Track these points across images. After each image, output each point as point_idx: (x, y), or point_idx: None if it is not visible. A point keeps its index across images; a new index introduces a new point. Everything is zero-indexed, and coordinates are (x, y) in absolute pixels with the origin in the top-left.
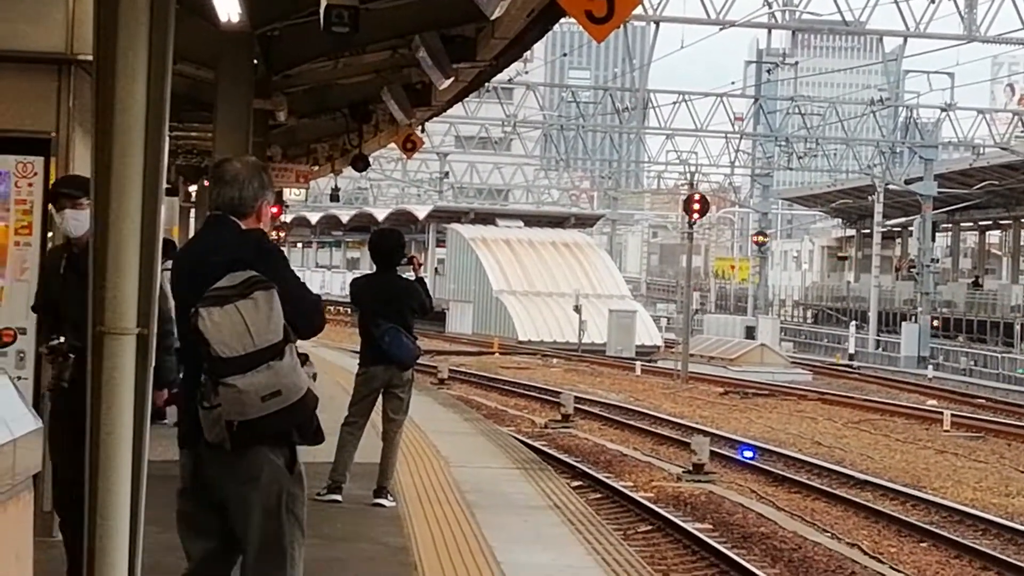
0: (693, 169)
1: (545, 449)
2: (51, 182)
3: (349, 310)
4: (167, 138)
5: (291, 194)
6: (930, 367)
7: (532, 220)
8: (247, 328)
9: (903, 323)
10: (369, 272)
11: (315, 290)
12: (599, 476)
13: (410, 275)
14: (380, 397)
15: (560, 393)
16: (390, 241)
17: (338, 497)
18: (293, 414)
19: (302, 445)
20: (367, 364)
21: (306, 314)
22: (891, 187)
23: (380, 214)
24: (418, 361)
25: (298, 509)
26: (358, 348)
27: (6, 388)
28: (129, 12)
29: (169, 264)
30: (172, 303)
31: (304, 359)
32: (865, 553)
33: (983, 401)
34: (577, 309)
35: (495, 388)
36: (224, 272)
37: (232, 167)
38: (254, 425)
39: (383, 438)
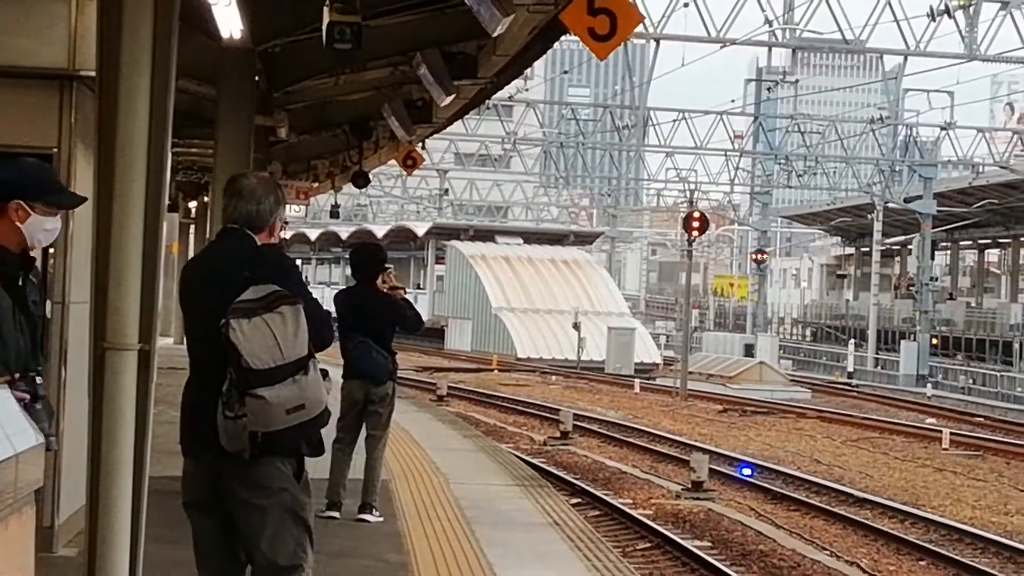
0: (692, 187)
1: (544, 466)
2: None
3: None
4: (169, 154)
5: (291, 210)
6: (929, 385)
7: (531, 237)
8: (276, 341)
9: (902, 341)
10: (349, 286)
11: None
12: (598, 493)
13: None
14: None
15: (559, 410)
16: (369, 255)
17: (336, 514)
18: (311, 428)
19: (308, 456)
20: (345, 379)
21: (319, 330)
22: (890, 205)
23: (379, 231)
24: (401, 378)
25: (307, 515)
26: None
27: (7, 401)
28: (132, 28)
29: None
30: None
31: (324, 374)
32: (864, 571)
33: (982, 419)
34: (576, 326)
35: (494, 405)
36: (246, 286)
37: (248, 182)
38: (275, 437)
39: (366, 454)
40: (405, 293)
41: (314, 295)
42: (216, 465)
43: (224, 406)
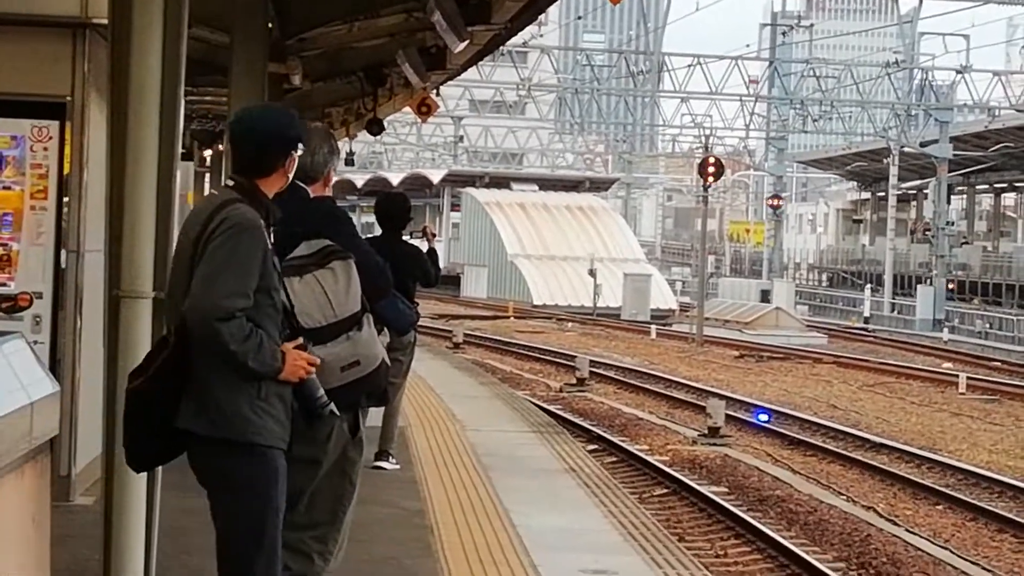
0: (708, 132)
1: (560, 413)
2: (66, 146)
3: None
4: (183, 102)
5: None
6: (945, 330)
7: (547, 184)
8: (327, 299)
9: (918, 286)
10: (374, 235)
11: None
12: (614, 440)
13: (423, 245)
14: None
15: (575, 357)
16: (395, 205)
17: None
18: (368, 383)
19: (369, 407)
20: None
21: (374, 280)
22: (906, 150)
23: (395, 178)
24: (419, 325)
25: (354, 473)
26: None
27: (23, 352)
28: None
29: None
30: None
31: (380, 329)
32: (881, 516)
33: (998, 364)
34: (592, 273)
35: (510, 352)
36: (299, 241)
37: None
38: (330, 394)
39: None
40: (433, 239)
41: (367, 245)
42: None
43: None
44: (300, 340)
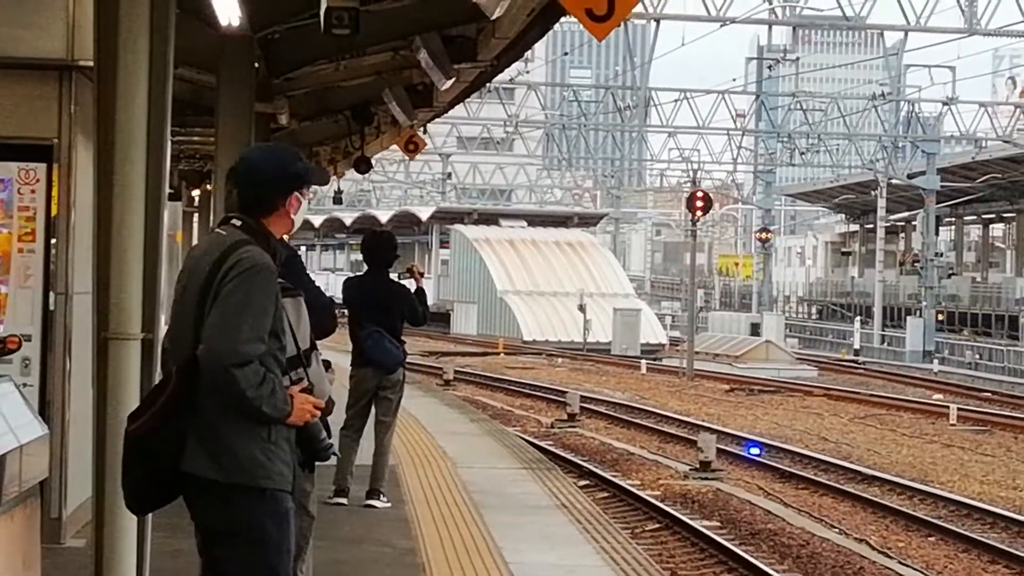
0: (696, 166)
1: (552, 449)
2: (54, 189)
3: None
4: (169, 142)
5: None
6: (935, 361)
7: (535, 220)
8: None
9: (908, 317)
10: (360, 274)
11: None
12: (606, 475)
13: (411, 284)
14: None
15: (566, 392)
16: (381, 243)
17: (343, 500)
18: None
19: None
20: (356, 367)
21: (321, 318)
22: (894, 182)
23: (383, 216)
24: (408, 363)
25: (309, 504)
26: None
27: (12, 395)
28: (129, 17)
29: None
30: None
31: (327, 366)
32: (873, 548)
33: (989, 394)
34: (582, 308)
35: (501, 388)
36: None
37: None
38: None
39: (375, 440)
40: (422, 278)
41: (316, 283)
42: None
43: None
44: (305, 383)
